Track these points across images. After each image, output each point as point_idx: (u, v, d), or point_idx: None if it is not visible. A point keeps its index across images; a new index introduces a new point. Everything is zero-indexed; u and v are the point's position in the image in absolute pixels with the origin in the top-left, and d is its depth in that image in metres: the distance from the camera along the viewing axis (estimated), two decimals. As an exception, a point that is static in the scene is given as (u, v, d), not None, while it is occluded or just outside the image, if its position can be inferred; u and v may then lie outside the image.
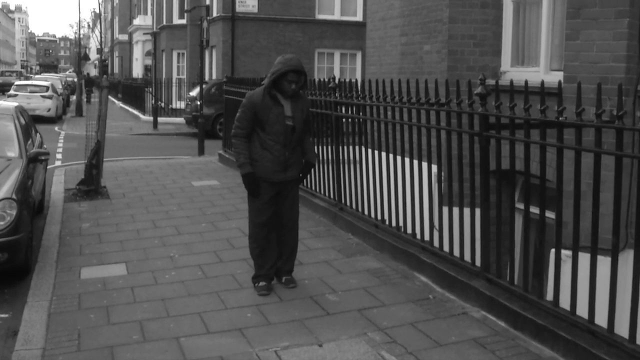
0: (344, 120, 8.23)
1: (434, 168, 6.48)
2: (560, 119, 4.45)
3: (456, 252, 5.95)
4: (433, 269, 6.09)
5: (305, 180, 9.78)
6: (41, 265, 7.31)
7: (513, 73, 7.76)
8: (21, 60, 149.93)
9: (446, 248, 6.13)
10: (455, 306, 5.54)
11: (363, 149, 7.83)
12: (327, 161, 8.76)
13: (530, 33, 7.88)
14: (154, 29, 39.02)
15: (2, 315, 6.23)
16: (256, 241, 6.15)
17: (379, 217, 7.39)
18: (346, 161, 8.20)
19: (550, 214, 5.24)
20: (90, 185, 11.18)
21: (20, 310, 6.08)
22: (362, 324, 5.27)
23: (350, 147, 8.10)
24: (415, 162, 6.50)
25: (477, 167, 5.51)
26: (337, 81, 8.25)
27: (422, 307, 5.56)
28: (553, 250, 5.12)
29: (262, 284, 6.12)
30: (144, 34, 42.34)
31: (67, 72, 67.55)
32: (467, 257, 5.76)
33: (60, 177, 13.28)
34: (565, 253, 4.82)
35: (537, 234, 5.01)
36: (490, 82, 5.69)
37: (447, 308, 5.51)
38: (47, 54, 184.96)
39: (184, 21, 34.47)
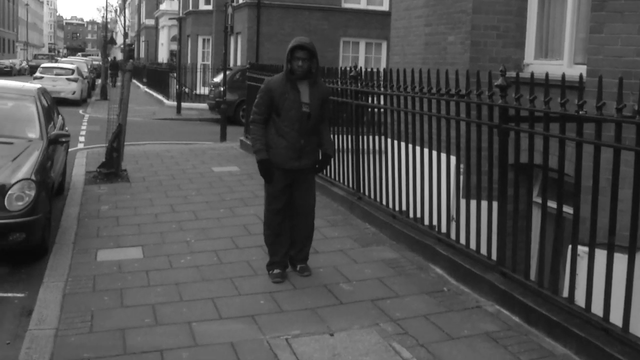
0: (363, 109, 8.18)
1: (453, 160, 6.42)
2: (581, 113, 4.38)
3: (472, 245, 5.89)
4: (448, 261, 6.04)
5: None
6: (58, 246, 7.36)
7: (536, 66, 7.66)
8: (49, 44, 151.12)
9: (463, 241, 6.07)
10: (469, 299, 5.49)
11: (383, 138, 7.79)
12: (346, 150, 8.72)
13: (555, 25, 7.76)
14: (180, 14, 39.09)
15: (18, 295, 6.28)
16: (270, 228, 6.15)
17: (397, 208, 7.34)
18: (365, 150, 8.16)
19: (568, 209, 5.16)
20: (110, 168, 11.24)
21: (35, 290, 6.13)
22: (375, 314, 5.24)
23: (370, 137, 8.05)
24: (435, 153, 6.43)
25: (495, 159, 5.46)
26: (357, 70, 8.19)
27: (436, 299, 5.52)
28: (570, 246, 5.05)
29: (276, 271, 6.11)
30: (170, 19, 42.46)
31: (93, 57, 67.94)
32: (483, 250, 5.70)
33: (82, 159, 13.37)
34: (582, 249, 4.76)
35: (554, 229, 4.93)
36: (512, 74, 5.60)
37: (461, 301, 5.47)
38: (74, 38, 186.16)
39: (209, 7, 34.52)
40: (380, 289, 5.79)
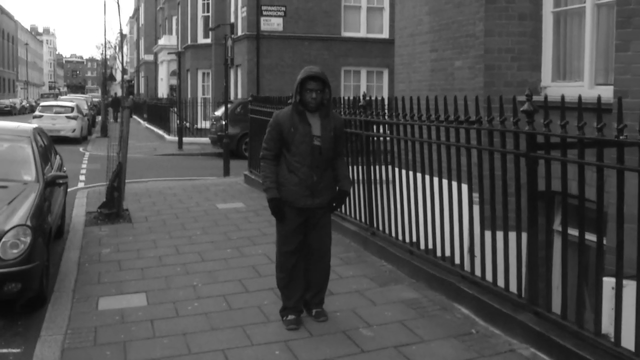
0: (374, 139, 7.81)
1: (471, 189, 6.03)
2: (622, 137, 3.99)
3: (500, 282, 5.47)
4: (474, 299, 5.63)
5: (334, 203, 9.37)
6: (57, 295, 6.96)
7: (554, 88, 7.31)
8: (49, 82, 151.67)
9: (489, 277, 5.65)
10: (500, 342, 5.06)
11: (396, 169, 7.40)
12: (358, 182, 8.34)
13: (572, 45, 7.42)
14: (179, 49, 38.99)
15: (14, 350, 5.86)
16: (283, 271, 5.74)
17: (414, 242, 6.93)
18: (378, 182, 7.78)
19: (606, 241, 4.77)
20: (111, 209, 10.86)
21: (33, 344, 5.72)
22: (400, 363, 4.82)
23: (383, 168, 7.67)
24: (454, 183, 6.06)
25: (522, 188, 5.08)
26: (367, 99, 7.84)
27: (465, 343, 5.09)
28: (608, 279, 4.64)
29: (290, 317, 5.69)
30: (169, 53, 42.38)
31: (93, 94, 67.91)
32: (513, 287, 5.29)
33: (83, 199, 13.01)
34: (628, 283, 4.34)
35: (590, 261, 4.54)
36: (538, 98, 5.24)
37: (492, 344, 5.04)
38: (74, 75, 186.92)
39: (208, 40, 34.40)
40: (403, 334, 5.36)
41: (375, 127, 7.65)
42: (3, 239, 6.41)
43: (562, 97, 4.49)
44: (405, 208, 7.03)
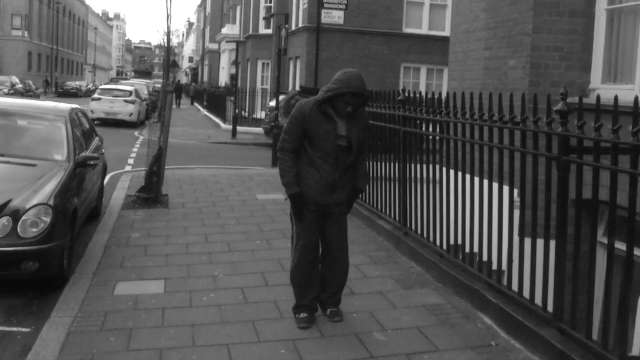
0: (411, 135, 7.49)
1: (506, 191, 5.67)
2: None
3: (526, 293, 5.13)
4: (499, 310, 5.28)
5: (370, 200, 9.10)
6: (77, 277, 6.87)
7: (604, 90, 6.85)
8: (117, 66, 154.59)
9: (515, 287, 5.30)
10: (519, 358, 4.71)
11: (430, 167, 7.08)
12: (393, 179, 8.05)
13: (626, 45, 6.96)
14: (241, 38, 39.07)
15: (24, 330, 5.76)
16: (299, 269, 5.47)
17: (445, 246, 6.60)
18: (413, 180, 7.46)
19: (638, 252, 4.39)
20: (149, 193, 10.80)
21: (43, 325, 5.60)
22: (408, 372, 4.53)
23: (418, 166, 7.35)
24: (486, 182, 5.72)
25: (553, 194, 4.72)
26: (405, 94, 7.53)
27: (481, 357, 4.76)
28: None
29: (303, 315, 5.45)
30: (226, 42, 42.54)
31: (155, 80, 68.77)
32: (538, 299, 4.93)
33: (126, 182, 13.01)
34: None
35: (622, 276, 4.15)
36: (575, 99, 4.86)
37: (510, 359, 4.71)
38: (142, 61, 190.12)
39: (269, 31, 34.31)
40: (418, 341, 5.06)
41: (411, 122, 7.33)
42: (23, 217, 6.34)
43: (598, 97, 4.12)
44: (437, 208, 6.71)
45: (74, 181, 7.56)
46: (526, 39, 8.70)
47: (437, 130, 6.76)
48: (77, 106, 9.88)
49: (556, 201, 4.58)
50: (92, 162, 8.03)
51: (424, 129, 7.20)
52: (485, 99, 5.80)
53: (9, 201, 6.44)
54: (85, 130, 9.39)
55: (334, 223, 5.45)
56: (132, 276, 6.85)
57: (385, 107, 8.01)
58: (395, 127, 7.74)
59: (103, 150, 10.27)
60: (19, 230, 6.28)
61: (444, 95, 6.67)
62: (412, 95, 7.44)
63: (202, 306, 5.93)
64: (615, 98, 4.03)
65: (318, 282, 5.54)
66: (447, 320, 5.48)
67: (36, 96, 39.54)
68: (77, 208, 7.28)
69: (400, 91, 7.61)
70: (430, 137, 7.05)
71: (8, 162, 7.35)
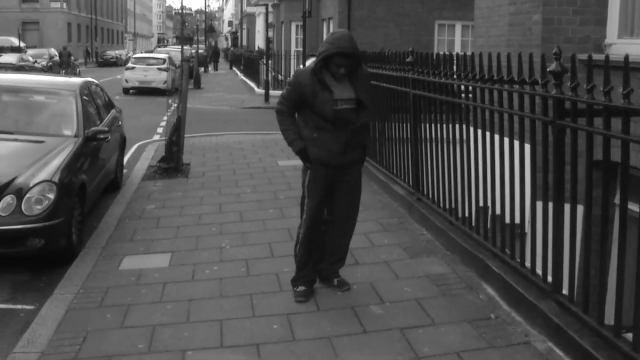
0: (421, 99, 7.25)
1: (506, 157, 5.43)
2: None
3: (528, 262, 4.93)
4: (501, 280, 5.09)
5: (386, 164, 8.92)
6: (86, 251, 6.87)
7: (620, 46, 6.52)
8: (158, 33, 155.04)
9: (518, 256, 5.09)
10: (517, 332, 4.52)
11: (438, 126, 6.81)
12: (405, 141, 7.84)
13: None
14: (275, 1, 38.68)
15: (27, 307, 5.77)
16: (304, 244, 5.32)
17: (453, 213, 6.40)
18: (424, 144, 7.23)
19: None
20: (170, 163, 10.79)
21: (46, 302, 5.62)
22: (399, 348, 4.38)
23: (428, 128, 7.11)
24: (480, 143, 5.49)
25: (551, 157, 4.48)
26: (415, 55, 7.29)
27: (478, 330, 4.59)
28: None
29: (301, 288, 5.34)
30: (258, 4, 42.16)
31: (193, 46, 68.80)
32: (539, 269, 4.73)
33: (151, 152, 13.04)
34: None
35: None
36: (584, 56, 4.59)
37: (508, 334, 4.51)
38: (184, 27, 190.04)
39: (302, -8, 33.88)
40: (414, 314, 4.91)
41: (420, 85, 7.08)
42: (28, 194, 6.35)
43: (589, 56, 3.87)
44: (446, 171, 6.49)
45: (83, 156, 7.53)
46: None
47: (438, 92, 6.50)
48: (91, 79, 9.84)
49: (552, 165, 4.35)
50: (102, 136, 7.97)
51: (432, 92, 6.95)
52: (504, 57, 5.52)
53: (14, 178, 6.45)
54: (99, 104, 9.34)
55: (347, 191, 5.30)
56: (140, 250, 6.83)
57: (395, 70, 7.76)
58: (405, 89, 7.50)
59: (120, 122, 10.22)
60: (23, 207, 6.29)
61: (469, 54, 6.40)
62: (420, 55, 7.18)
63: (204, 280, 5.87)
64: (626, 58, 3.72)
65: (319, 252, 5.42)
66: (448, 291, 5.32)
67: (74, 67, 39.78)
68: (85, 183, 7.25)
69: (408, 52, 7.36)
70: (438, 100, 6.79)
71: (16, 140, 7.36)
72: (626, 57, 3.53)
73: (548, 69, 4.19)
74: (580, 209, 4.46)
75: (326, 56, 4.96)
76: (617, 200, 5.97)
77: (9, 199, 6.31)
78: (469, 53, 6.38)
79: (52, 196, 6.42)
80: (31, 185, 6.40)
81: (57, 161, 6.90)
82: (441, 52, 6.92)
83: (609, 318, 3.91)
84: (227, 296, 5.45)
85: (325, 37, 28.34)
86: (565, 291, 4.37)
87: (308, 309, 5.11)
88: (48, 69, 35.40)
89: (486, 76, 5.32)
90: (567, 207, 4.44)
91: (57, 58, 39.53)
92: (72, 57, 41.39)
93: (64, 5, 67.55)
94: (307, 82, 5.06)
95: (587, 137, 3.97)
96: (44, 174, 6.58)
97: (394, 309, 5.02)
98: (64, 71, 36.95)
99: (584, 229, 4.11)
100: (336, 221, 5.43)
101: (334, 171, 5.21)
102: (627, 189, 3.74)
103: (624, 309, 3.81)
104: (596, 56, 5.48)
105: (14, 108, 8.16)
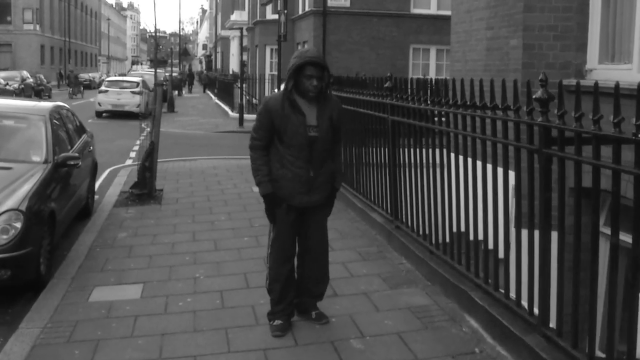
0: (400, 125, 7.13)
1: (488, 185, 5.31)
2: (640, 135, 3.26)
3: (513, 294, 4.79)
4: (485, 313, 4.94)
5: (364, 191, 8.77)
6: (55, 282, 6.61)
7: (601, 71, 6.46)
8: (132, 56, 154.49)
9: (503, 287, 4.95)
10: (504, 367, 4.39)
11: (418, 155, 6.69)
12: (383, 167, 7.70)
13: (623, 22, 6.52)
14: (249, 24, 38.68)
15: (-9, 343, 5.52)
16: (277, 279, 5.13)
17: (434, 241, 6.25)
18: (403, 170, 7.10)
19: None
20: (142, 189, 10.56)
21: (10, 336, 5.36)
22: (381, 386, 4.21)
23: (406, 153, 6.98)
24: (462, 169, 5.37)
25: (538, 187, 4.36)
26: (393, 80, 7.18)
27: (462, 366, 4.44)
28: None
29: (277, 322, 5.14)
30: (229, 28, 42.15)
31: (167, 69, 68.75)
32: (525, 301, 4.59)
33: (123, 178, 12.78)
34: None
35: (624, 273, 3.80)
36: (571, 81, 4.49)
37: (494, 369, 4.37)
38: (157, 50, 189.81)
39: (277, 16, 33.87)
40: (396, 349, 4.74)
41: (399, 111, 6.96)
42: (-7, 224, 6.09)
43: (578, 83, 3.75)
44: (425, 199, 6.35)
45: (53, 183, 7.30)
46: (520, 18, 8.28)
47: (418, 119, 6.38)
48: (61, 104, 9.61)
49: (539, 193, 4.23)
50: (73, 162, 7.74)
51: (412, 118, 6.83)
52: (486, 83, 5.40)
53: (-21, 208, 6.20)
54: (70, 129, 9.11)
55: (313, 226, 5.13)
56: (111, 280, 6.59)
57: (374, 96, 7.65)
58: (383, 115, 7.38)
59: (91, 147, 9.99)
60: (-12, 237, 6.04)
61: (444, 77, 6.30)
62: (398, 81, 7.07)
63: (177, 312, 5.65)
64: (596, 84, 3.65)
65: (294, 286, 5.24)
66: (431, 324, 5.15)
67: (48, 90, 39.37)
68: (54, 211, 7.01)
69: (387, 78, 7.25)
70: (417, 127, 6.67)
71: (-18, 167, 7.10)
72: (596, 83, 3.46)
73: (534, 96, 4.08)
74: (568, 237, 4.33)
75: (297, 67, 4.80)
76: (602, 228, 5.86)
77: (-26, 228, 6.06)
78: (444, 77, 6.29)
79: (18, 225, 6.17)
80: (-4, 214, 6.16)
81: (25, 188, 6.66)
82: (419, 77, 6.83)
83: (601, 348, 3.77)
84: (201, 330, 5.24)
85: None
86: (552, 324, 4.23)
87: (286, 344, 4.91)
88: (20, 92, 34.90)
89: (468, 102, 5.21)
90: (554, 236, 4.31)
91: (29, 81, 38.99)
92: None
93: (37, 27, 67.03)
94: (277, 107, 4.89)
95: (575, 165, 3.85)
96: (10, 202, 6.34)
97: (375, 344, 4.84)
98: (73, 93, 38.07)
99: (573, 259, 3.97)
100: (309, 256, 5.25)
101: (297, 210, 5.05)
102: (619, 219, 3.61)
103: (615, 343, 3.67)
104: (583, 82, 5.38)
105: (-20, 134, 7.91)
